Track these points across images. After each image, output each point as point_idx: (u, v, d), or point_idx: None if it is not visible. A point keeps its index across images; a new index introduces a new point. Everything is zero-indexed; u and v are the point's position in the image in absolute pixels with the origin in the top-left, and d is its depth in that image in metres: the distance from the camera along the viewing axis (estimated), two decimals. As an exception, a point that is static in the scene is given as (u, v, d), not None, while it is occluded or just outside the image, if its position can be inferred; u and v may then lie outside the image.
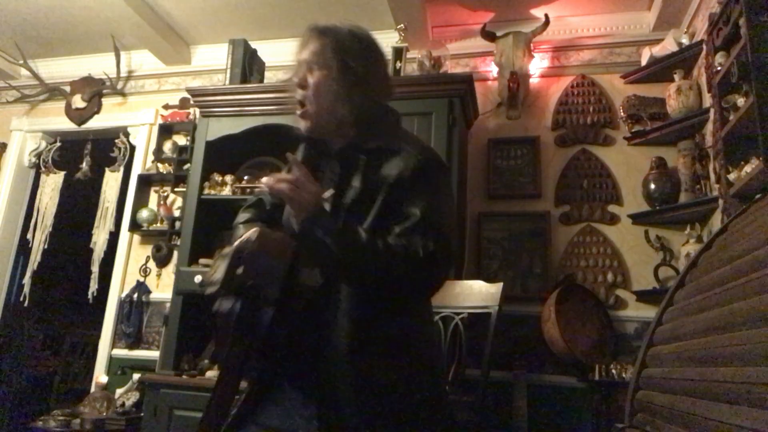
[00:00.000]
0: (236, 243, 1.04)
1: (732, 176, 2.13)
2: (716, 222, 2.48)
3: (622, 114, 2.97)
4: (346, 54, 1.24)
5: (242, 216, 1.42)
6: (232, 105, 2.91)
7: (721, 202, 2.35)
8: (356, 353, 1.16)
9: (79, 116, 3.88)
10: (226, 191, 2.90)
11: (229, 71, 3.05)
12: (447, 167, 1.31)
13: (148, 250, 3.43)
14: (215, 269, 1.07)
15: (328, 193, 1.24)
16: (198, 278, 2.66)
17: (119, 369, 3.23)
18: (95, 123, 3.87)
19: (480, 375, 1.96)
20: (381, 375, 1.18)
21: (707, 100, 2.61)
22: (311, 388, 1.21)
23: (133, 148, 3.73)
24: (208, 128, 2.92)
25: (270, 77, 3.45)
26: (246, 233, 1.10)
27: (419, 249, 1.12)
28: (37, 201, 3.91)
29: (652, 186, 2.76)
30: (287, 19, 3.38)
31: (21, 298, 3.82)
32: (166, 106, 3.71)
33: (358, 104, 1.24)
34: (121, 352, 3.32)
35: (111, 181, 3.73)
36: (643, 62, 2.98)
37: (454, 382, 1.87)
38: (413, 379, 1.23)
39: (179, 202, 3.42)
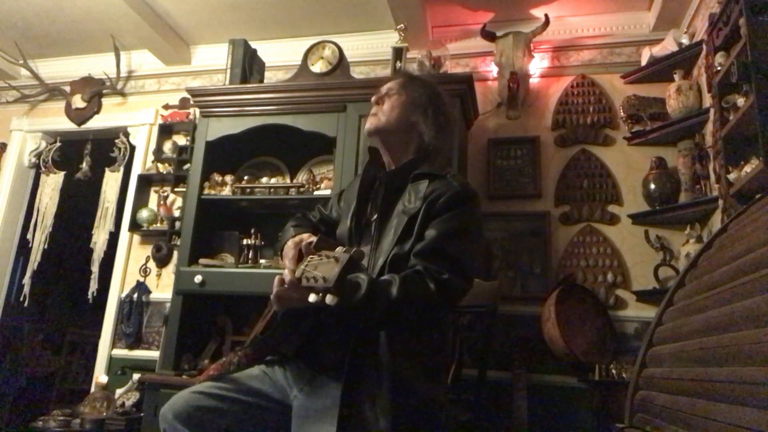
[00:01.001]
0: (353, 251, 1.09)
1: (732, 176, 2.13)
2: (716, 222, 2.48)
3: (622, 114, 2.97)
4: (414, 89, 1.56)
5: (292, 222, 1.61)
6: (232, 105, 2.91)
7: (721, 202, 2.35)
8: (386, 351, 1.26)
9: (79, 116, 3.87)
10: (226, 191, 2.90)
11: (229, 71, 3.05)
12: (480, 202, 1.48)
13: (148, 250, 3.43)
14: (321, 268, 1.09)
15: (373, 217, 1.47)
16: (198, 278, 2.66)
17: (119, 369, 3.22)
18: (95, 123, 3.86)
19: (477, 373, 1.95)
20: (404, 371, 1.25)
21: (707, 100, 2.61)
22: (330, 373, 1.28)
23: (133, 148, 3.72)
24: (208, 128, 2.92)
25: (270, 77, 3.45)
26: (341, 249, 1.13)
27: (431, 283, 1.23)
28: (37, 201, 3.90)
29: (652, 186, 2.76)
30: (287, 19, 3.38)
31: (21, 298, 3.82)
32: (166, 106, 3.71)
33: (420, 128, 1.51)
34: (121, 352, 3.32)
35: (111, 181, 3.73)
36: (643, 62, 2.98)
37: (453, 382, 1.87)
38: (421, 377, 1.30)
39: (179, 202, 3.42)
